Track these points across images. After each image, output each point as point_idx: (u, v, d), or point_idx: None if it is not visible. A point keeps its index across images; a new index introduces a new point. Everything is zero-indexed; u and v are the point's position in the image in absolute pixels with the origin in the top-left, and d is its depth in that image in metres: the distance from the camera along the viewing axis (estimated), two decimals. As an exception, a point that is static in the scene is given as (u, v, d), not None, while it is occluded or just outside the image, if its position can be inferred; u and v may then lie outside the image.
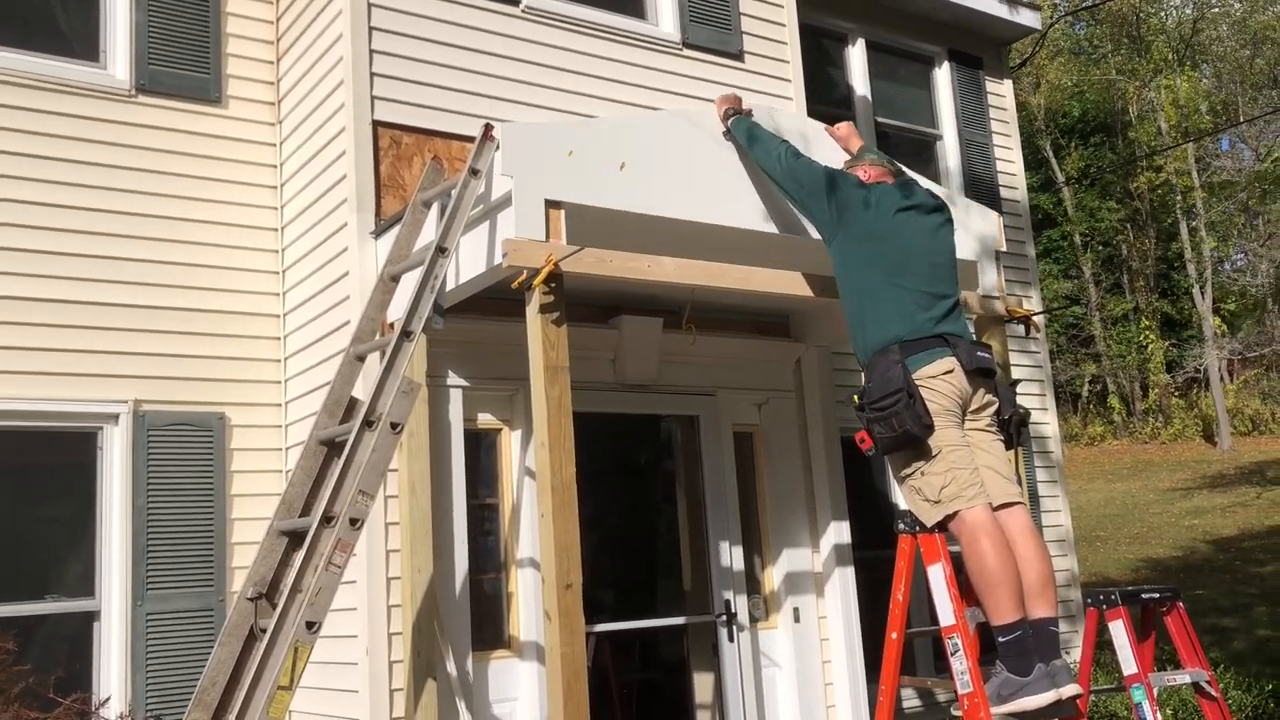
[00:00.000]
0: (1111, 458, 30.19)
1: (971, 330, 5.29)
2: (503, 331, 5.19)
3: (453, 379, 5.40)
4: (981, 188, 8.77)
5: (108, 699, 5.31)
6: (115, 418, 5.61)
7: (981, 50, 9.26)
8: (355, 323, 4.99)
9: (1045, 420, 8.81)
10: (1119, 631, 4.96)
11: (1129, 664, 4.90)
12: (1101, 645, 5.64)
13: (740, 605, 6.11)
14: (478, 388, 5.49)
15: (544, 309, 4.30)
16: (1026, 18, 9.29)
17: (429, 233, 4.95)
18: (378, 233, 5.34)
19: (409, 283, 4.82)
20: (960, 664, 4.03)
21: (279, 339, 6.10)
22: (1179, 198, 33.29)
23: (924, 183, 5.19)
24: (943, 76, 9.01)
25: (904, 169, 4.99)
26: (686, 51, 6.63)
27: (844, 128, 5.39)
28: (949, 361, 4.17)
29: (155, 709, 5.38)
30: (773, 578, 6.38)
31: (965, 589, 4.22)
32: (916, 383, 4.09)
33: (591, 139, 4.75)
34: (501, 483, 5.63)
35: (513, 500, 5.59)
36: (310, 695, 5.24)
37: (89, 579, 5.51)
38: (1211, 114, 34.88)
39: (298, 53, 6.13)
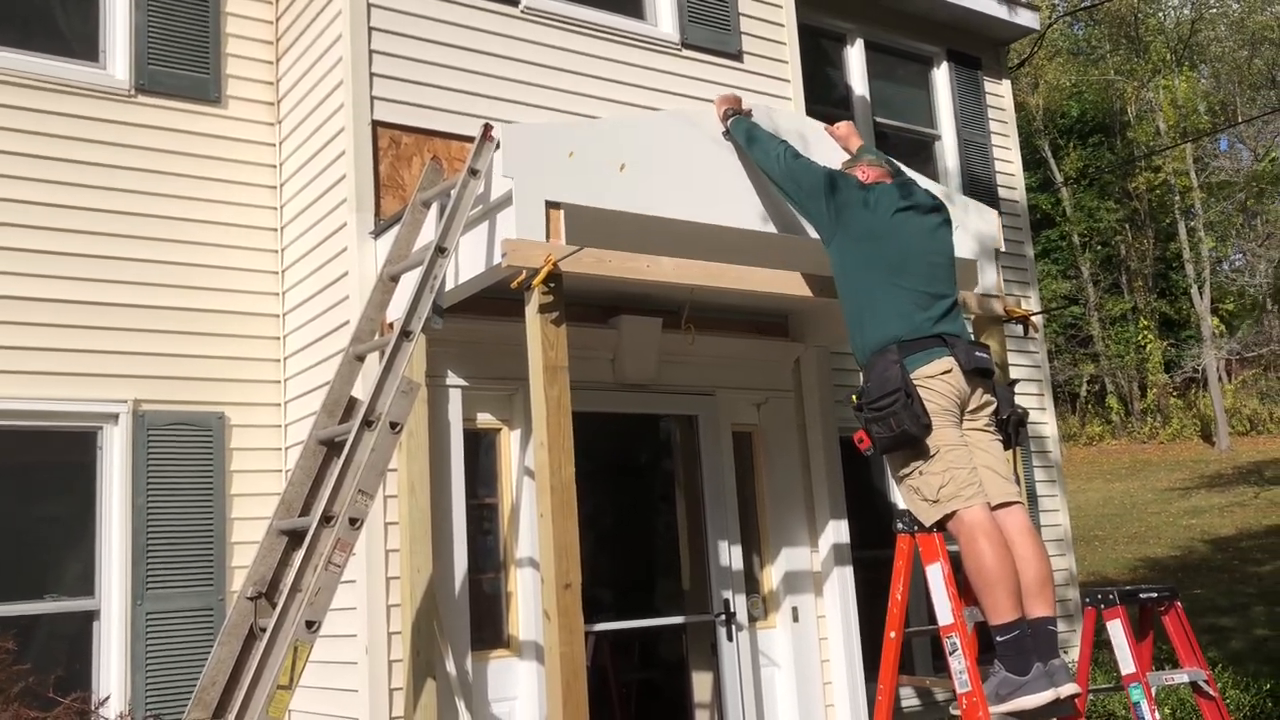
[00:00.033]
0: (1109, 457, 30.21)
1: (970, 330, 5.31)
2: (502, 331, 5.20)
3: (452, 379, 5.40)
4: (980, 188, 8.78)
5: (107, 698, 5.31)
6: (115, 417, 5.62)
7: (980, 50, 9.27)
8: (355, 322, 5.00)
9: (1043, 420, 8.82)
10: (1117, 631, 4.97)
11: (1127, 663, 4.90)
12: (1100, 645, 5.65)
13: (739, 605, 6.12)
14: (477, 387, 5.49)
15: (543, 309, 4.30)
16: (1025, 18, 9.30)
17: (428, 233, 4.95)
18: (377, 233, 5.35)
19: (408, 282, 4.82)
20: (958, 663, 4.04)
21: (278, 339, 6.11)
22: (1177, 198, 33.32)
23: (923, 182, 5.19)
24: (941, 77, 9.02)
25: (903, 168, 5.00)
26: (685, 52, 6.64)
27: (844, 127, 5.39)
28: (947, 361, 4.18)
29: (155, 708, 5.39)
30: (771, 577, 6.38)
31: (963, 588, 4.23)
32: (914, 382, 4.10)
33: (592, 140, 4.75)
34: (501, 482, 5.64)
35: (512, 500, 5.60)
36: (310, 694, 5.25)
37: (88, 578, 5.52)
38: (1210, 114, 34.91)
39: (297, 53, 6.13)
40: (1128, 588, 5.15)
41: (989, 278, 5.80)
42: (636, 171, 4.80)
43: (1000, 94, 9.39)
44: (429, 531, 5.02)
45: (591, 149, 4.71)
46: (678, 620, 6.29)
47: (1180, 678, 5.18)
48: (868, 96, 8.48)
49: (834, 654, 6.35)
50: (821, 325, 6.46)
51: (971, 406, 4.27)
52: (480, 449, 5.61)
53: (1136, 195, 35.11)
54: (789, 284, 5.11)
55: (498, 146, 4.57)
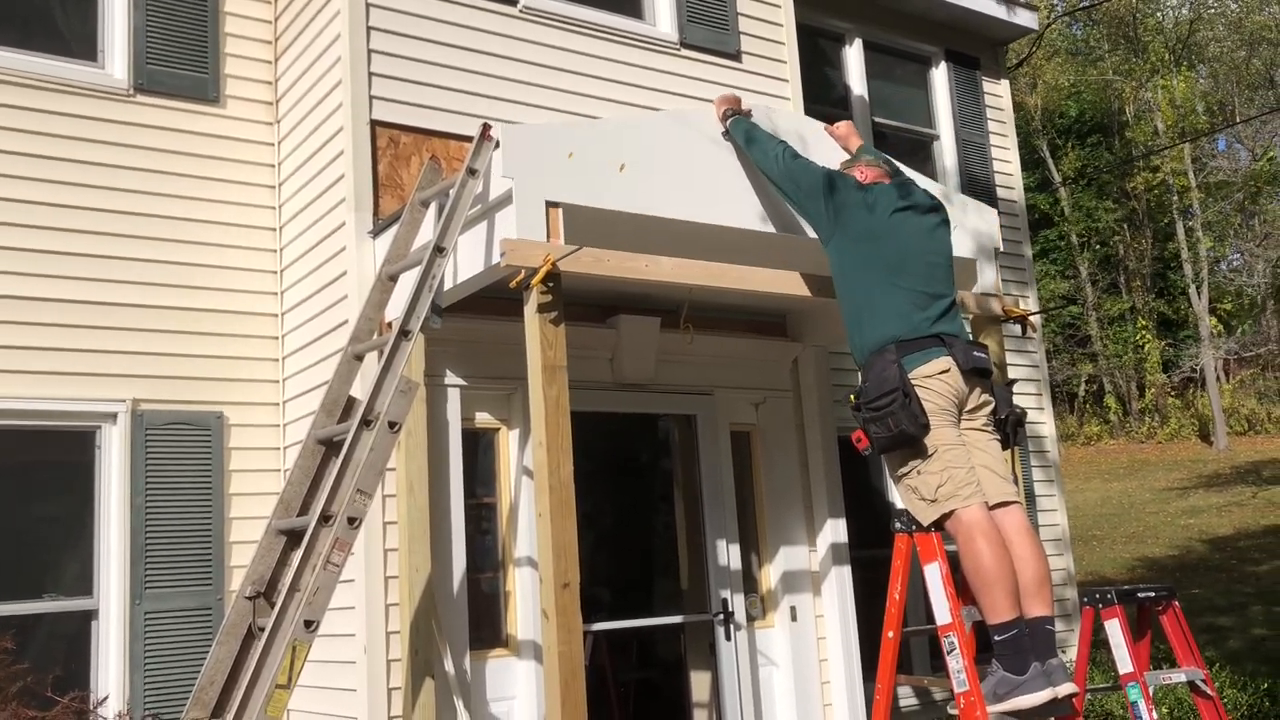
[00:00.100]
0: (1108, 457, 30.22)
1: (968, 330, 5.31)
2: (500, 331, 5.20)
3: (450, 378, 5.41)
4: (978, 188, 8.79)
5: (106, 698, 5.31)
6: (113, 417, 5.62)
7: (978, 50, 9.28)
8: (353, 322, 5.00)
9: (1041, 420, 8.82)
10: (1115, 630, 4.98)
11: (1125, 663, 4.91)
12: (1098, 644, 5.66)
13: (737, 604, 6.13)
14: (475, 387, 5.50)
15: (542, 308, 4.31)
16: (1023, 18, 9.30)
17: (427, 232, 4.95)
18: (376, 232, 5.35)
19: (407, 282, 4.82)
20: (956, 663, 4.05)
21: (277, 338, 6.11)
22: (1175, 198, 33.33)
23: (921, 181, 5.20)
24: (940, 77, 9.03)
25: (901, 168, 5.00)
26: (684, 51, 6.64)
27: (843, 127, 5.40)
28: (945, 361, 4.19)
29: (153, 708, 5.39)
30: (770, 577, 6.39)
31: (961, 588, 4.23)
32: (913, 382, 4.11)
33: (591, 140, 4.76)
34: (499, 482, 5.64)
35: (510, 499, 5.60)
36: (308, 694, 5.25)
37: (87, 578, 5.52)
38: (1208, 114, 34.93)
39: (296, 52, 6.13)
40: (1125, 587, 5.16)
41: (987, 277, 5.81)
42: (636, 172, 4.80)
43: (999, 94, 9.40)
44: (427, 531, 5.02)
45: (591, 149, 4.71)
46: (676, 620, 6.29)
47: (1178, 677, 5.19)
48: (866, 96, 8.48)
49: (832, 653, 6.35)
50: (820, 325, 6.47)
51: (970, 406, 4.28)
52: (479, 448, 5.61)
53: (1135, 195, 35.12)
54: (788, 284, 5.11)
55: (496, 146, 4.57)
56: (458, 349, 5.38)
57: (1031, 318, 6.00)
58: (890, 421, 4.07)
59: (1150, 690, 4.90)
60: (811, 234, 4.91)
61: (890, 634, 4.59)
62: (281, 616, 3.85)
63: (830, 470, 6.54)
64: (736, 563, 6.20)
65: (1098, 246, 35.72)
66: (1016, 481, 4.52)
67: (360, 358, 4.81)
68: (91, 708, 5.17)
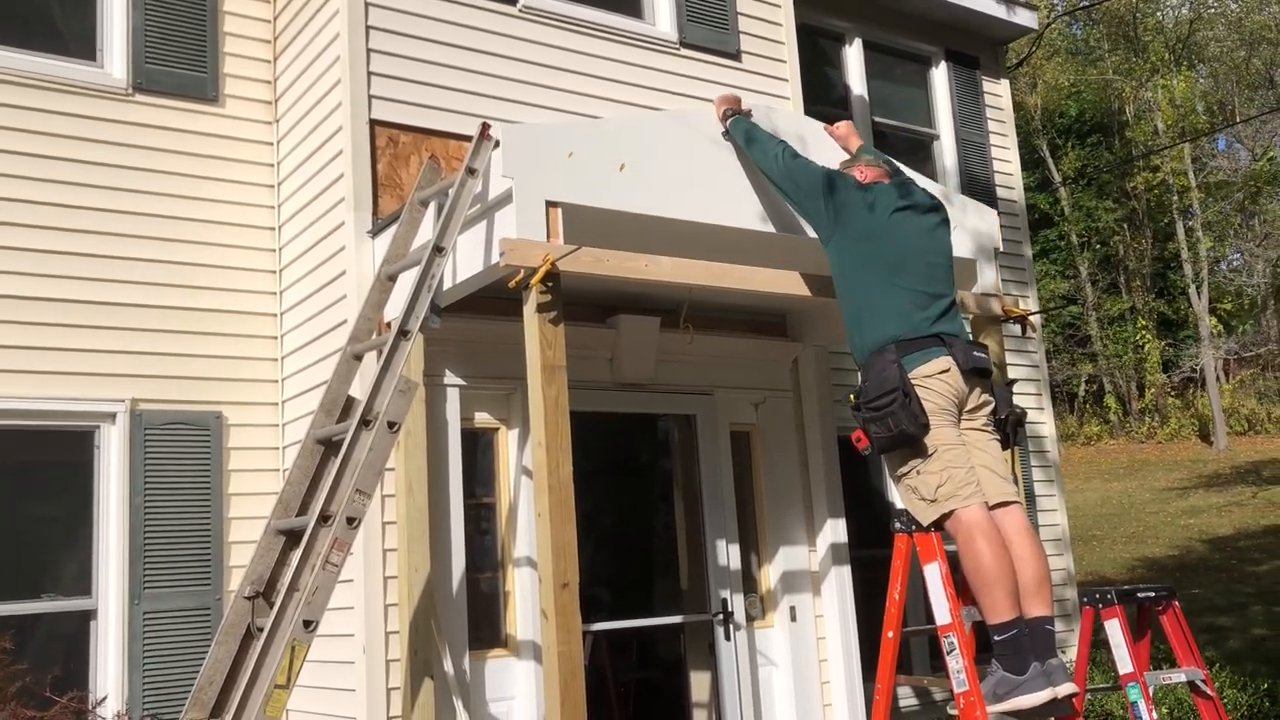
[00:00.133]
0: (1108, 457, 30.22)
1: (968, 330, 5.31)
2: (500, 331, 5.19)
3: (450, 378, 5.40)
4: (978, 187, 8.78)
5: (104, 698, 5.31)
6: (112, 417, 5.61)
7: (978, 50, 9.28)
8: (352, 322, 4.99)
9: (1041, 420, 8.82)
10: (1115, 630, 4.98)
11: (1125, 663, 4.91)
12: (1097, 644, 5.65)
13: (737, 604, 6.12)
14: (475, 387, 5.49)
15: (541, 308, 4.30)
16: (1023, 17, 9.30)
17: (426, 232, 4.95)
18: (375, 232, 5.34)
19: (406, 282, 4.82)
20: (956, 663, 4.04)
21: (276, 338, 6.10)
22: (1175, 198, 33.33)
23: (921, 181, 5.20)
24: (939, 76, 9.02)
25: (901, 168, 5.00)
26: (684, 51, 6.64)
27: (843, 127, 5.39)
28: (945, 361, 4.18)
29: (152, 708, 5.38)
30: (769, 577, 6.38)
31: (961, 588, 4.23)
32: (913, 382, 4.10)
33: (591, 140, 4.75)
34: (498, 482, 5.63)
35: (510, 499, 5.59)
36: (307, 694, 5.25)
37: (86, 578, 5.51)
38: (1208, 114, 34.93)
39: (295, 51, 6.13)
40: (1125, 587, 5.16)
41: (987, 277, 5.80)
42: (636, 171, 4.79)
43: (998, 93, 9.40)
44: (426, 531, 5.01)
45: (591, 149, 4.71)
46: (675, 620, 6.28)
47: (1178, 677, 5.19)
48: (866, 96, 8.48)
49: (832, 653, 6.35)
50: (820, 325, 6.46)
51: (969, 406, 4.27)
52: (478, 448, 5.60)
53: (1135, 195, 35.12)
54: (788, 284, 5.11)
55: (496, 146, 4.57)
56: (457, 349, 5.37)
57: (1031, 318, 6.00)
58: (890, 421, 4.06)
59: (1150, 690, 4.90)
60: (811, 234, 4.91)
61: (890, 634, 4.59)
62: (280, 616, 3.85)
63: (830, 470, 6.54)
64: (736, 563, 6.20)
65: (1098, 246, 35.72)
66: (1016, 481, 4.52)
67: (359, 357, 4.81)
68: (90, 708, 5.17)
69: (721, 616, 6.06)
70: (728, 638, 6.05)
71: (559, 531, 4.15)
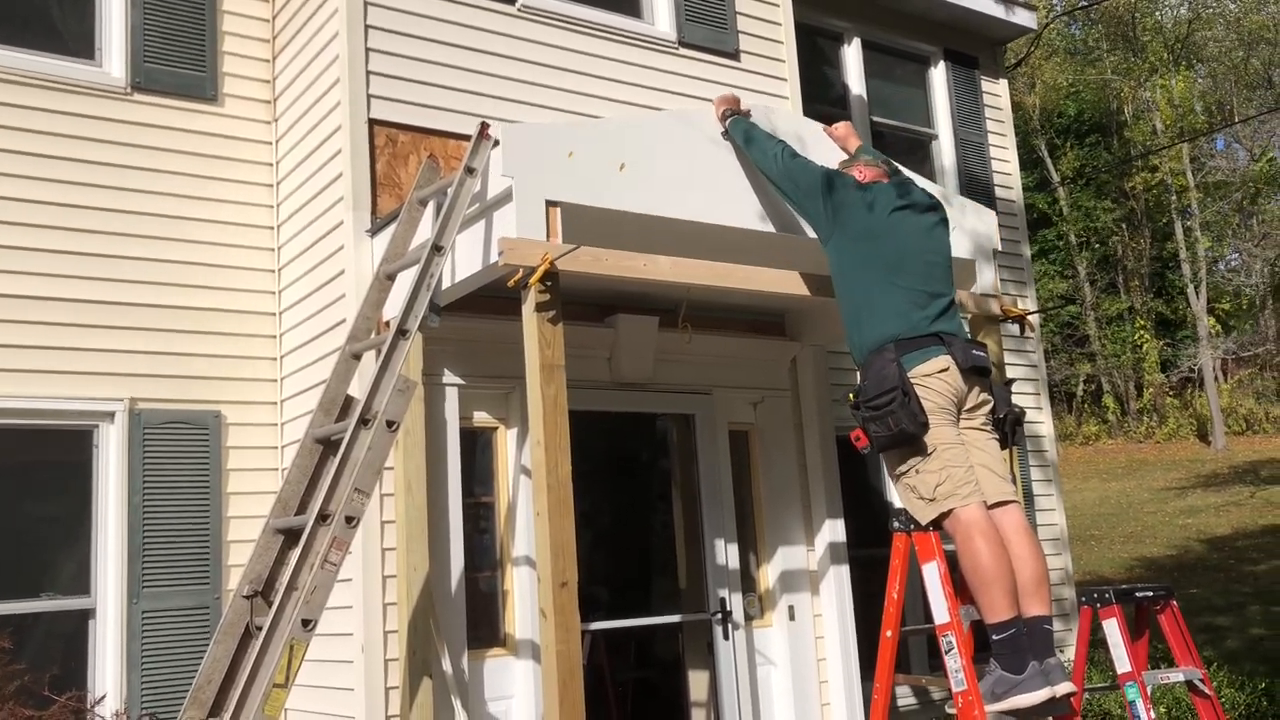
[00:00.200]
0: (1106, 457, 30.24)
1: (966, 329, 5.31)
2: (499, 330, 5.19)
3: (448, 377, 5.40)
4: (977, 187, 8.79)
5: (103, 697, 5.30)
6: (111, 416, 5.61)
7: (977, 50, 9.28)
8: (351, 321, 4.99)
9: (1040, 419, 8.83)
10: (1113, 630, 4.98)
11: (1123, 662, 4.91)
12: (1096, 643, 5.66)
13: (735, 603, 6.12)
14: (473, 386, 5.49)
15: (540, 307, 4.30)
16: (1022, 17, 9.31)
17: (425, 231, 4.95)
18: (373, 231, 5.34)
19: (405, 281, 4.82)
20: (955, 662, 4.04)
21: (275, 337, 6.10)
22: (1174, 197, 33.36)
23: (920, 181, 5.20)
24: (938, 76, 9.03)
25: (900, 168, 5.00)
26: (682, 51, 6.64)
27: (842, 127, 5.40)
28: (944, 360, 4.18)
29: (150, 707, 5.38)
30: (768, 576, 6.39)
31: (960, 587, 4.23)
32: (912, 381, 4.10)
33: (591, 139, 4.75)
34: (497, 481, 5.63)
35: (508, 498, 5.60)
36: (306, 693, 5.25)
37: (84, 577, 5.51)
38: (1206, 114, 34.95)
39: (294, 51, 6.13)
40: (1124, 587, 5.16)
41: (986, 277, 5.81)
42: (636, 171, 4.80)
43: (997, 93, 9.40)
44: (425, 530, 5.01)
45: (591, 149, 4.71)
46: (674, 619, 6.29)
47: (1176, 677, 5.19)
48: (865, 96, 8.48)
49: (830, 653, 6.35)
50: (818, 324, 6.46)
51: (968, 405, 4.28)
52: (477, 447, 5.60)
53: (1133, 195, 35.15)
54: (787, 283, 5.11)
55: (494, 145, 4.57)
56: (456, 348, 5.37)
57: (1030, 317, 6.01)
58: (890, 420, 4.06)
59: (1148, 690, 4.90)
60: (811, 234, 4.91)
61: (888, 633, 4.59)
62: (279, 615, 3.85)
63: (828, 469, 6.54)
64: (734, 562, 6.20)
65: (1096, 246, 35.74)
66: (1015, 481, 4.52)
67: (358, 356, 4.81)
68: (89, 706, 5.17)
69: (720, 616, 6.07)
70: (726, 637, 6.05)
71: (558, 530, 4.15)
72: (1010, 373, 6.34)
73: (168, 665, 5.49)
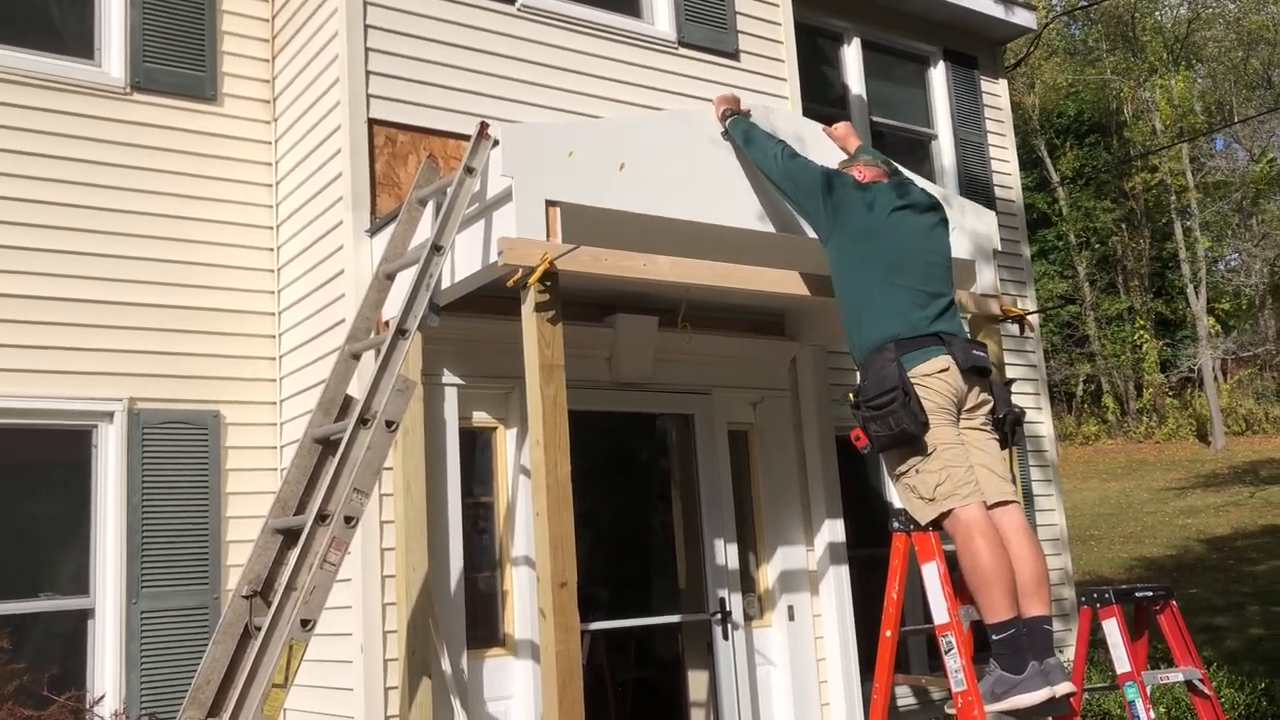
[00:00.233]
0: (1106, 457, 30.24)
1: (966, 329, 5.31)
2: (498, 330, 5.19)
3: (448, 377, 5.40)
4: (976, 187, 8.79)
5: (102, 697, 5.30)
6: (110, 415, 5.61)
7: (977, 50, 9.28)
8: (350, 321, 4.99)
9: (1040, 419, 8.83)
10: (1113, 630, 4.98)
11: (1122, 662, 4.91)
12: (1095, 644, 5.65)
13: (735, 603, 6.12)
14: (473, 386, 5.49)
15: (539, 307, 4.30)
16: (1022, 17, 9.31)
17: (424, 231, 4.95)
18: (373, 231, 5.34)
19: (404, 281, 4.81)
20: (954, 662, 4.04)
21: (274, 337, 6.10)
22: (1174, 198, 33.37)
23: (920, 182, 5.20)
24: (938, 76, 9.02)
25: (900, 168, 5.00)
26: (682, 50, 6.64)
27: (842, 128, 5.39)
28: (944, 360, 4.18)
29: (150, 707, 5.38)
30: (767, 576, 6.38)
31: (959, 587, 4.23)
32: (912, 381, 4.10)
33: (591, 139, 4.75)
34: (496, 481, 5.63)
35: (508, 498, 5.59)
36: (305, 693, 5.24)
37: (83, 577, 5.51)
38: (1206, 114, 34.95)
39: (293, 50, 6.12)
40: (1123, 587, 5.16)
41: (986, 278, 5.81)
42: (636, 171, 4.79)
43: (997, 93, 9.40)
44: (424, 530, 5.01)
45: (591, 149, 4.70)
46: (673, 619, 6.28)
47: (1175, 677, 5.19)
48: (864, 96, 8.48)
49: (830, 653, 6.35)
50: (818, 324, 6.46)
51: (968, 405, 4.27)
52: (476, 447, 5.60)
53: (1133, 195, 35.15)
54: (787, 283, 5.11)
55: (494, 145, 4.57)
56: (455, 348, 5.37)
57: (1029, 317, 6.01)
58: (890, 420, 4.06)
59: (1148, 690, 4.90)
60: (811, 234, 4.91)
61: (888, 633, 4.59)
62: (278, 615, 3.85)
63: (828, 469, 6.54)
64: (734, 562, 6.20)
65: (1096, 246, 35.75)
66: (1015, 481, 4.52)
67: (357, 356, 4.81)
68: (88, 707, 5.16)
69: (719, 616, 6.06)
70: (725, 637, 6.05)
71: (557, 530, 4.15)
72: (1010, 373, 6.34)
73: (167, 665, 5.48)
